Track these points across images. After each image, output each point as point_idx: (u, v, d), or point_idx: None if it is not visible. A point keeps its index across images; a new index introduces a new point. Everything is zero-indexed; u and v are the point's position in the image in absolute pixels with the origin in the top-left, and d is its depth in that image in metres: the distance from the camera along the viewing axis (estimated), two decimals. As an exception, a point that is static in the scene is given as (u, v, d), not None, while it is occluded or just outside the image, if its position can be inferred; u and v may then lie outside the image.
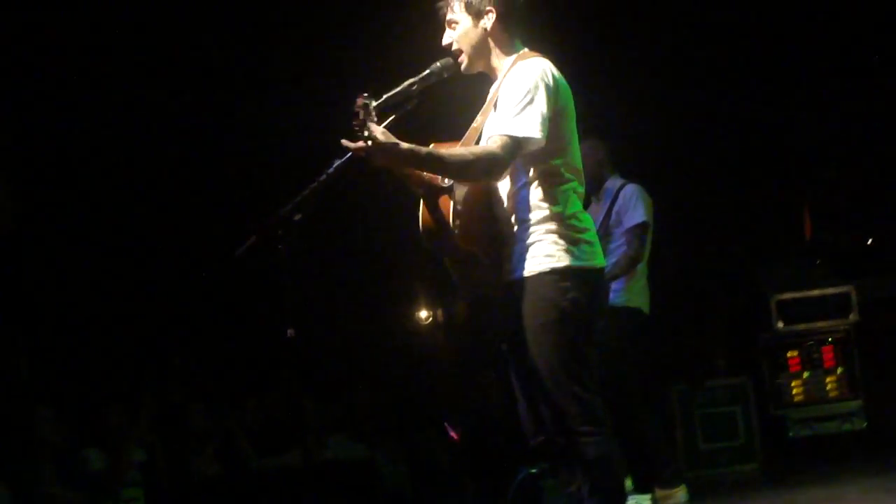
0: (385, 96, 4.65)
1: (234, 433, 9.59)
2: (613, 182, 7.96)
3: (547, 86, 4.61)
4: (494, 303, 4.85)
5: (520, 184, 4.68)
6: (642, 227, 7.70)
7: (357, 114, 4.29)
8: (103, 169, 10.72)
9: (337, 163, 4.65)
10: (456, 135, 4.82)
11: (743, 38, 11.04)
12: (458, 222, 4.60)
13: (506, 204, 4.73)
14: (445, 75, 4.80)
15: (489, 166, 4.52)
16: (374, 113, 4.32)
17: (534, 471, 7.70)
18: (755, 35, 11.01)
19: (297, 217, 4.64)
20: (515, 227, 4.68)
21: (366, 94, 4.36)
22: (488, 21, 4.80)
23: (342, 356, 11.96)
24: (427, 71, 4.77)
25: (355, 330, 12.31)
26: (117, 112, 10.47)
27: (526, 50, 4.85)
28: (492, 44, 4.83)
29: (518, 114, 4.54)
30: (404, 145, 4.37)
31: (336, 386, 11.02)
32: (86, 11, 9.74)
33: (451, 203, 4.60)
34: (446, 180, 4.62)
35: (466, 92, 5.06)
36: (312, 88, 10.11)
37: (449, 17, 4.84)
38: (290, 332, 4.67)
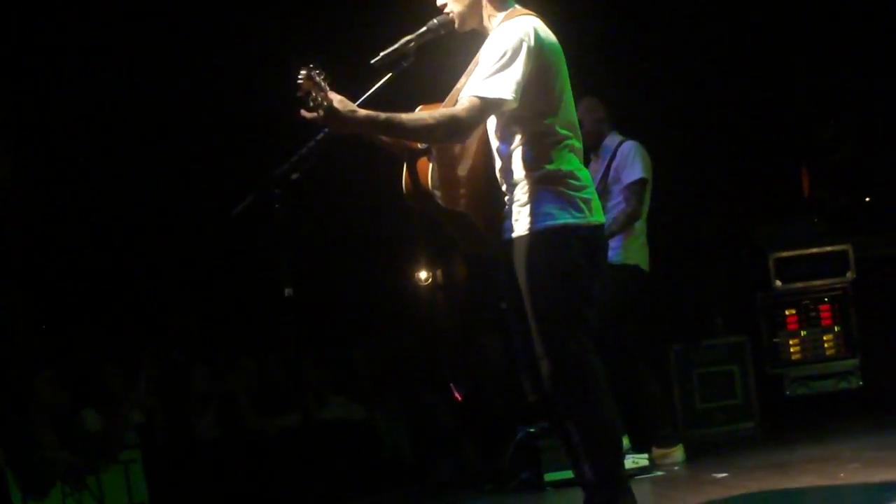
0: (382, 54, 4.66)
1: (235, 394, 9.60)
2: (612, 139, 7.97)
3: (529, 47, 4.59)
4: (493, 262, 4.86)
5: (514, 143, 4.68)
6: (640, 183, 7.71)
7: (299, 85, 4.28)
8: (100, 130, 10.69)
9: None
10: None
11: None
12: (439, 183, 4.60)
13: (501, 164, 4.73)
14: (442, 32, 4.81)
15: (452, 129, 4.51)
16: (323, 82, 4.28)
17: (532, 430, 7.72)
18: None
19: (295, 176, 4.64)
20: (513, 187, 4.69)
21: (311, 65, 4.34)
22: (481, -20, 4.80)
23: (341, 316, 11.95)
24: (424, 28, 4.77)
25: (354, 290, 12.30)
26: (111, 70, 10.44)
27: (517, 7, 4.84)
28: (483, 1, 4.82)
29: (491, 75, 4.54)
30: (361, 112, 4.38)
31: (335, 346, 11.01)
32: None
33: (430, 165, 4.60)
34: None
35: (465, 49, 5.04)
36: (314, 46, 10.08)
37: None
38: (287, 291, 4.67)
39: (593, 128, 7.87)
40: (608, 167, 7.85)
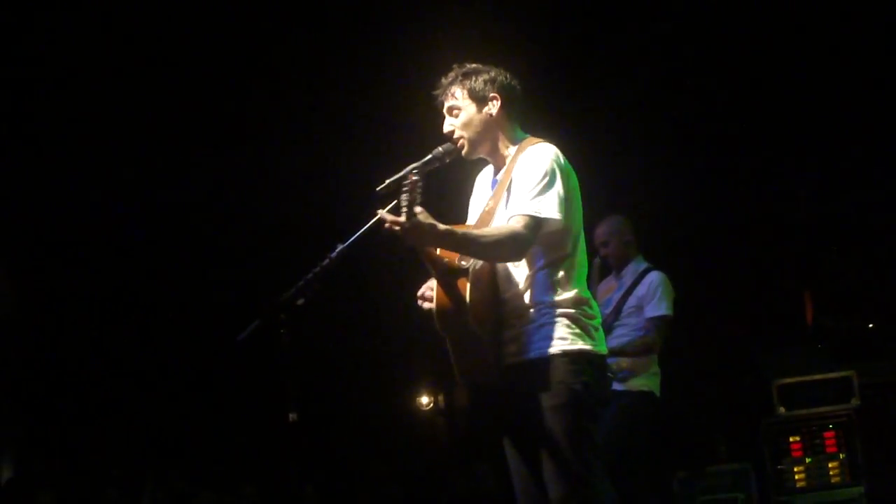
0: (388, 181, 4.67)
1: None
2: (638, 264, 7.84)
3: (561, 168, 4.68)
4: (491, 388, 4.84)
5: (536, 266, 4.70)
6: (664, 319, 7.60)
7: (408, 190, 4.31)
8: (106, 252, 10.73)
9: (339, 247, 4.67)
10: (448, 219, 4.84)
11: (739, 121, 11.10)
12: (471, 304, 4.60)
13: (522, 286, 4.73)
14: (447, 160, 4.83)
15: (518, 246, 4.56)
16: (419, 192, 4.34)
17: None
18: (751, 120, 11.07)
19: (300, 301, 4.64)
20: (530, 310, 4.69)
21: (415, 171, 4.44)
22: (493, 107, 4.85)
23: (344, 441, 11.92)
24: (429, 156, 4.79)
25: (357, 414, 12.27)
26: (118, 194, 10.49)
27: (530, 136, 4.89)
28: (496, 130, 4.87)
29: (538, 195, 4.58)
30: (441, 227, 4.38)
31: (337, 471, 10.97)
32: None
33: (468, 284, 4.61)
34: (464, 261, 4.61)
35: (457, 176, 5.08)
36: (318, 171, 10.16)
37: (450, 104, 4.88)
38: (292, 416, 4.66)
39: (619, 251, 7.82)
40: (628, 292, 7.78)
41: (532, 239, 4.57)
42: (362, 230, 4.66)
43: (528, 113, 5.00)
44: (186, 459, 10.59)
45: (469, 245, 4.51)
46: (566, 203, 4.65)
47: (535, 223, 4.56)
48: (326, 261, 4.65)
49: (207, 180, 10.44)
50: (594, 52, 10.38)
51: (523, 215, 4.56)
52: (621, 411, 7.15)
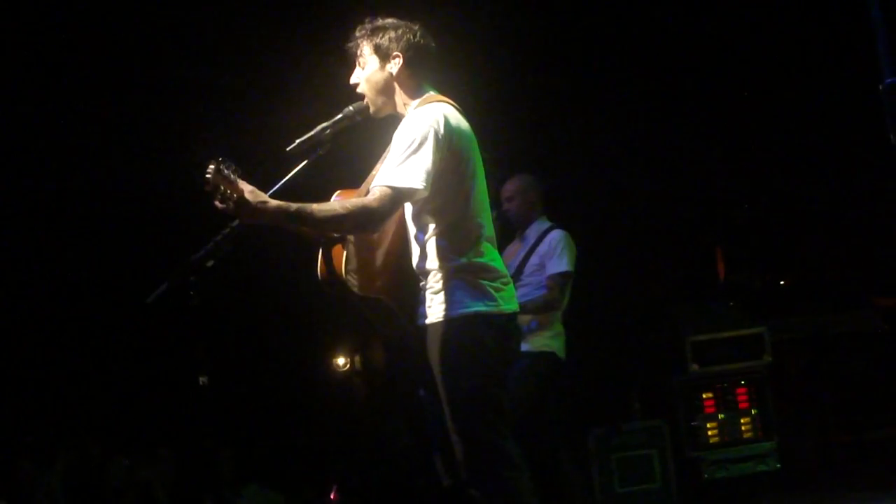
0: (297, 141, 4.64)
1: (151, 486, 9.48)
2: (541, 224, 7.84)
3: (437, 135, 4.57)
4: (409, 348, 4.84)
5: (428, 233, 4.68)
6: (565, 276, 7.56)
7: (207, 180, 4.24)
8: (10, 212, 10.56)
9: (250, 208, 4.62)
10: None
11: (656, 83, 11.14)
12: (355, 269, 4.58)
13: (419, 251, 4.71)
14: (358, 119, 4.79)
15: (363, 220, 4.47)
16: (233, 175, 4.26)
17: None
18: (668, 80, 11.11)
19: (210, 263, 4.60)
20: (426, 276, 4.69)
21: (220, 159, 4.31)
22: (395, 66, 4.80)
23: (258, 404, 11.86)
24: (339, 115, 4.76)
25: (272, 377, 12.22)
26: (25, 153, 10.33)
27: (432, 93, 4.84)
28: (397, 88, 4.84)
29: (401, 163, 4.51)
30: (272, 203, 4.34)
31: (254, 434, 10.92)
32: None
33: (344, 252, 4.58)
34: None
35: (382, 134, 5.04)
36: (226, 134, 10.06)
37: (357, 56, 4.85)
38: (202, 379, 4.62)
39: (522, 209, 7.81)
40: (531, 251, 7.77)
41: (387, 212, 4.50)
42: (273, 190, 4.62)
43: (439, 72, 4.95)
44: (100, 425, 10.47)
45: (306, 220, 4.42)
46: (450, 170, 4.60)
47: (394, 195, 4.48)
48: (236, 222, 4.60)
49: (114, 138, 10.30)
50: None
51: (381, 187, 4.48)
52: (523, 373, 7.14)
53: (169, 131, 10.31)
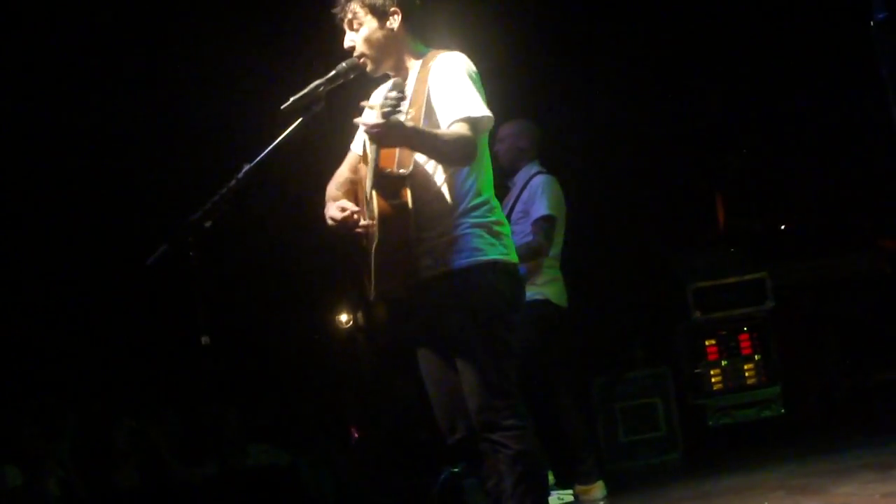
0: (292, 99, 4.64)
1: (156, 446, 9.50)
2: (528, 170, 7.80)
3: (476, 74, 4.69)
4: (408, 301, 4.83)
5: (446, 178, 4.68)
6: (547, 220, 7.49)
7: (395, 98, 4.27)
8: (7, 180, 10.53)
9: (246, 167, 4.63)
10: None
11: (652, 27, 11.10)
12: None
13: (437, 191, 4.71)
14: (352, 76, 4.79)
15: (470, 148, 4.56)
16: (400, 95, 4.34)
17: (456, 470, 7.69)
18: (664, 21, 11.07)
19: (208, 224, 4.59)
20: (445, 219, 4.68)
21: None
22: (394, 21, 4.80)
23: (261, 362, 11.88)
24: (333, 72, 4.75)
25: (273, 335, 12.23)
26: (21, 117, 10.28)
27: (431, 48, 4.87)
28: (399, 44, 4.83)
29: (467, 97, 4.57)
30: (409, 124, 4.40)
31: (256, 393, 10.94)
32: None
33: (408, 192, 4.57)
34: (403, 169, 4.57)
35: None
36: (218, 92, 10.03)
37: (349, 18, 4.81)
38: (204, 339, 4.62)
39: (510, 154, 7.76)
40: (517, 199, 7.73)
41: (476, 140, 4.57)
42: (269, 148, 4.62)
43: (427, 25, 4.95)
44: (104, 388, 10.48)
45: (434, 143, 4.49)
46: None
47: (475, 123, 4.55)
48: (233, 181, 4.60)
49: (109, 102, 10.26)
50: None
51: (462, 119, 4.54)
52: (523, 323, 7.15)
53: (169, 89, 10.29)
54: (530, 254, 7.42)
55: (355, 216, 4.65)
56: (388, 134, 4.33)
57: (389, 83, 4.64)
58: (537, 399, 6.91)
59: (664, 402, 9.84)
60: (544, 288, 7.55)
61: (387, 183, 4.55)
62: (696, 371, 10.06)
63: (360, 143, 4.99)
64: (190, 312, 4.63)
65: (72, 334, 11.00)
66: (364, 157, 4.87)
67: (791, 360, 10.20)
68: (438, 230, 4.67)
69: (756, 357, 10.04)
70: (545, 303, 7.53)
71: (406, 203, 4.53)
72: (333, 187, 4.93)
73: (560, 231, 7.66)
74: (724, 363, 10.05)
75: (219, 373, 4.78)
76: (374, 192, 4.52)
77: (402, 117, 4.38)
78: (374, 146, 4.58)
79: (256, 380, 11.35)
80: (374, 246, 4.56)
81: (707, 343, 10.11)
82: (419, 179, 4.67)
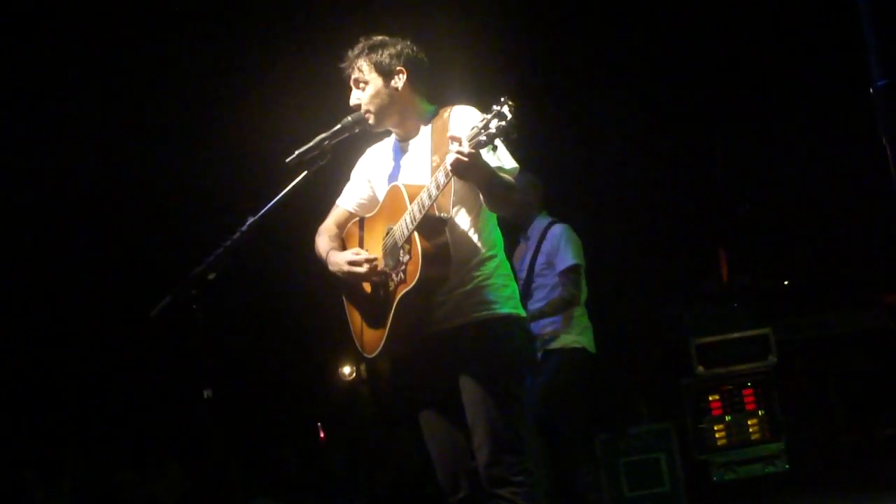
0: (297, 152, 4.66)
1: (158, 498, 9.49)
2: (541, 221, 7.89)
3: None
4: (414, 357, 4.82)
5: (465, 230, 4.72)
6: (574, 269, 7.62)
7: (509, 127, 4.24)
8: (11, 234, 10.55)
9: (250, 219, 4.65)
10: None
11: (657, 84, 11.15)
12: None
13: (458, 238, 4.71)
14: (356, 130, 4.82)
15: (518, 196, 4.70)
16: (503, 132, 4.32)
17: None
18: (673, 81, 11.12)
19: (211, 276, 4.60)
20: (457, 272, 4.67)
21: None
22: (399, 81, 4.84)
23: (268, 414, 11.87)
24: (338, 126, 4.78)
25: (280, 387, 12.23)
26: (29, 169, 10.31)
27: (436, 105, 4.92)
28: (403, 102, 4.86)
29: (500, 148, 4.57)
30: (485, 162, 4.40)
31: (259, 446, 10.92)
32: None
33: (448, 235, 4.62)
34: (444, 214, 4.60)
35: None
36: (224, 146, 10.06)
37: (356, 76, 4.86)
38: (207, 392, 4.62)
39: (522, 210, 7.82)
40: (537, 251, 7.79)
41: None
42: (273, 201, 4.64)
43: (436, 83, 4.99)
44: (107, 440, 10.48)
45: (501, 183, 4.51)
46: None
47: (512, 174, 4.60)
48: (237, 234, 4.62)
49: (115, 156, 10.30)
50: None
51: (506, 170, 4.58)
52: (554, 371, 7.22)
53: (174, 144, 10.32)
54: (563, 305, 7.56)
55: (374, 262, 4.67)
56: (476, 164, 4.32)
57: (470, 116, 4.65)
58: (559, 449, 7.03)
59: (668, 457, 9.78)
60: (581, 336, 7.62)
61: (432, 224, 4.55)
62: (700, 426, 10.03)
63: (350, 199, 5.03)
64: (193, 365, 4.63)
65: (75, 386, 11.00)
66: (352, 215, 4.99)
67: (795, 415, 10.18)
68: (454, 282, 4.67)
69: (760, 412, 10.01)
70: (582, 351, 7.61)
71: (448, 242, 4.56)
72: (327, 239, 4.96)
73: (584, 279, 7.73)
74: (727, 418, 10.02)
75: (221, 426, 4.77)
76: (416, 234, 4.51)
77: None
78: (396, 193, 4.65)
79: (259, 433, 11.33)
80: (404, 290, 4.55)
81: (711, 398, 10.08)
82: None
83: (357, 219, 5.05)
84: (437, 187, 4.44)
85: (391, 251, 4.67)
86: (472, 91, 5.24)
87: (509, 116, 4.17)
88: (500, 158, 4.57)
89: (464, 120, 4.69)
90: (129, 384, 11.25)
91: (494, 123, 4.19)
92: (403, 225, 4.59)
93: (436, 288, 4.58)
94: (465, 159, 4.26)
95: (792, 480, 9.84)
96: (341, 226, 5.04)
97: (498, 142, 4.47)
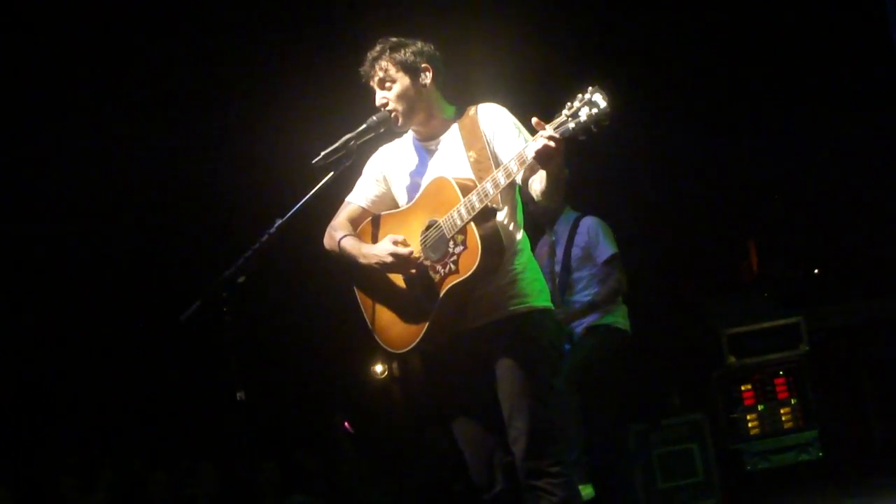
0: (323, 153, 4.68)
1: (193, 500, 9.52)
2: (568, 216, 7.95)
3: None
4: (446, 352, 4.83)
5: (502, 221, 4.73)
6: (614, 258, 7.77)
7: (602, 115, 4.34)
8: (43, 235, 10.59)
9: (278, 221, 4.67)
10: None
11: (688, 74, 11.11)
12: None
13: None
14: (381, 129, 4.84)
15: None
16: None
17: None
18: (700, 72, 11.09)
19: (241, 279, 4.62)
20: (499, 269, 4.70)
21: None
22: (427, 77, 4.87)
23: (300, 414, 11.90)
24: (364, 126, 4.80)
25: (312, 387, 12.25)
26: (62, 169, 10.34)
27: (455, 104, 4.96)
28: (430, 98, 4.89)
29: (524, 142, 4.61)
30: None
31: (295, 445, 10.95)
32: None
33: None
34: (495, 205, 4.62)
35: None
36: (252, 149, 10.09)
37: (380, 77, 4.86)
38: (239, 395, 4.64)
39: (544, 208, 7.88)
40: (569, 243, 7.82)
41: None
42: (301, 202, 4.66)
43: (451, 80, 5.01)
44: (141, 442, 10.53)
45: (563, 175, 4.52)
46: None
47: None
48: (266, 236, 4.65)
49: (144, 159, 10.33)
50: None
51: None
52: (597, 345, 7.36)
53: (203, 147, 10.35)
54: (613, 295, 7.73)
55: (413, 253, 4.68)
56: (561, 152, 4.35)
57: (500, 112, 4.79)
58: (596, 425, 7.12)
59: (701, 447, 9.78)
60: (623, 319, 7.83)
61: (488, 215, 4.56)
62: (733, 416, 10.02)
63: (364, 196, 5.05)
64: (225, 367, 4.65)
65: (108, 389, 11.05)
66: (365, 212, 5.03)
67: (828, 403, 10.16)
68: (498, 277, 4.70)
69: (792, 401, 9.99)
70: (626, 333, 7.81)
71: (501, 233, 4.59)
72: (343, 234, 4.97)
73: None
74: (760, 408, 10.01)
75: (255, 426, 4.79)
76: (472, 225, 4.52)
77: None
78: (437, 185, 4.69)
79: (292, 432, 11.36)
80: (455, 280, 4.57)
81: (743, 388, 10.08)
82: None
83: (370, 217, 5.05)
84: (508, 175, 4.45)
85: (436, 243, 4.67)
86: (491, 90, 5.26)
87: (602, 104, 4.25)
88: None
89: (494, 116, 4.76)
90: (161, 387, 11.30)
91: (585, 112, 4.24)
92: (456, 216, 4.57)
93: (486, 279, 4.61)
94: (553, 145, 4.27)
95: (825, 468, 9.82)
96: (355, 222, 5.03)
97: (523, 136, 4.51)
